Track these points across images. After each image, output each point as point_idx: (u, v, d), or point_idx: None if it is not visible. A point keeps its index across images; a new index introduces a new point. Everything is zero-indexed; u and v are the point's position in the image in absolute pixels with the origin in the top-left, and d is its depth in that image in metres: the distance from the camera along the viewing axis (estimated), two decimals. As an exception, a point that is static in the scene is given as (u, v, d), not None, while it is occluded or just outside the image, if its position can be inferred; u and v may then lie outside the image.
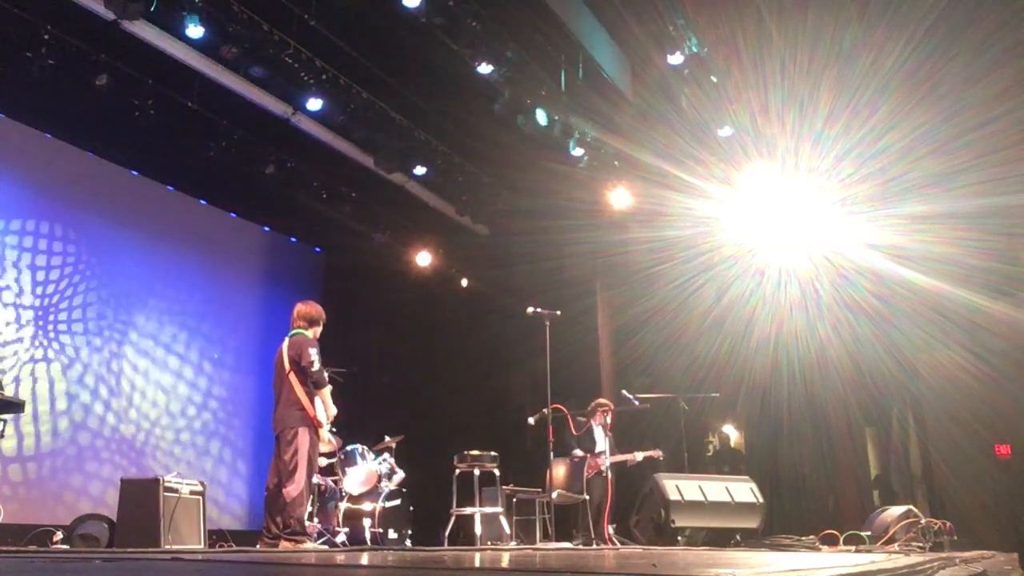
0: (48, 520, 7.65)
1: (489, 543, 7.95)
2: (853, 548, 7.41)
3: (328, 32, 8.50)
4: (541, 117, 9.16)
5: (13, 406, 6.48)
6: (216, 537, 8.38)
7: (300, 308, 6.40)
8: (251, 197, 10.96)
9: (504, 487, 8.34)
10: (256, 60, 8.29)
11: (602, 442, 8.47)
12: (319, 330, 6.39)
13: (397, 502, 8.35)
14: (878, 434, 10.23)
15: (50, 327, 9.24)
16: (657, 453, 8.79)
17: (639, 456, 8.57)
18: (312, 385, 6.13)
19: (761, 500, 8.38)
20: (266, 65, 8.35)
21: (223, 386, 11.09)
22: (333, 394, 6.44)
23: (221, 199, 11.21)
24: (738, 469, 10.56)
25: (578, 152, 10.05)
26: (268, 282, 11.99)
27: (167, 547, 6.16)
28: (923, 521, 7.62)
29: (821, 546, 7.72)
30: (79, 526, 6.63)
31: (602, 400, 8.76)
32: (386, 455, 8.49)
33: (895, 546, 7.29)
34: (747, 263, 10.35)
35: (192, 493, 6.71)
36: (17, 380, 8.75)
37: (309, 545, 6.25)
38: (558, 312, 7.81)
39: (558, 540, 7.79)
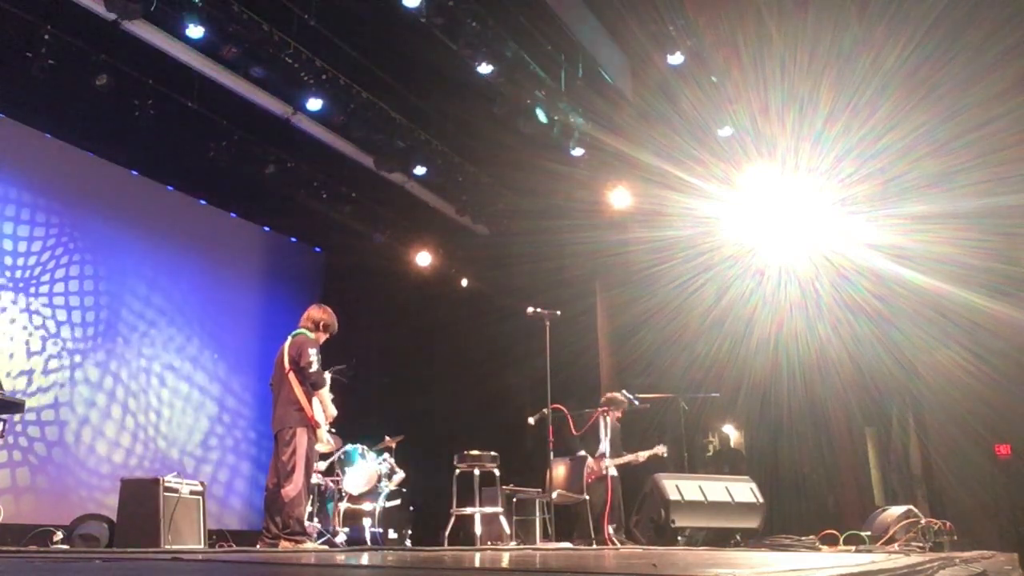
0: (48, 520, 7.64)
1: (489, 543, 7.95)
2: (853, 548, 7.40)
3: (328, 32, 8.50)
4: (541, 117, 9.16)
5: (13, 406, 6.48)
6: (216, 537, 8.38)
7: (313, 310, 6.40)
8: (251, 197, 10.96)
9: (504, 487, 8.34)
10: (256, 60, 8.28)
11: (604, 443, 8.45)
12: (324, 336, 6.37)
13: (397, 502, 8.35)
14: (878, 434, 10.23)
15: (50, 326, 9.23)
16: (661, 450, 8.72)
17: (642, 456, 8.53)
18: (310, 386, 6.13)
19: (761, 500, 8.38)
20: (266, 65, 8.35)
21: (223, 386, 11.09)
22: (334, 393, 6.43)
23: (221, 199, 11.21)
24: (738, 469, 10.55)
25: (578, 152, 10.05)
26: (268, 282, 11.98)
27: (167, 547, 6.16)
28: (923, 521, 7.62)
29: (821, 546, 7.71)
30: (79, 526, 6.63)
31: (613, 395, 8.67)
32: (386, 455, 8.49)
33: (895, 546, 7.29)
34: (747, 263, 10.34)
35: (192, 493, 6.71)
36: (17, 380, 8.75)
37: (309, 545, 6.25)
38: (558, 312, 7.81)
39: (558, 540, 7.79)
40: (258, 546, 6.16)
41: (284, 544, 5.88)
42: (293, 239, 12.54)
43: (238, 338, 11.37)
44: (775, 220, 10.22)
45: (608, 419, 8.49)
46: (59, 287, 9.42)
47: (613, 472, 8.22)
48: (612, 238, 10.86)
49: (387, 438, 8.72)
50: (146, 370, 10.16)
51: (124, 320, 10.01)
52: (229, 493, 10.89)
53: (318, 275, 12.74)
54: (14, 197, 9.15)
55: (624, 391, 8.77)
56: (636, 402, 8.64)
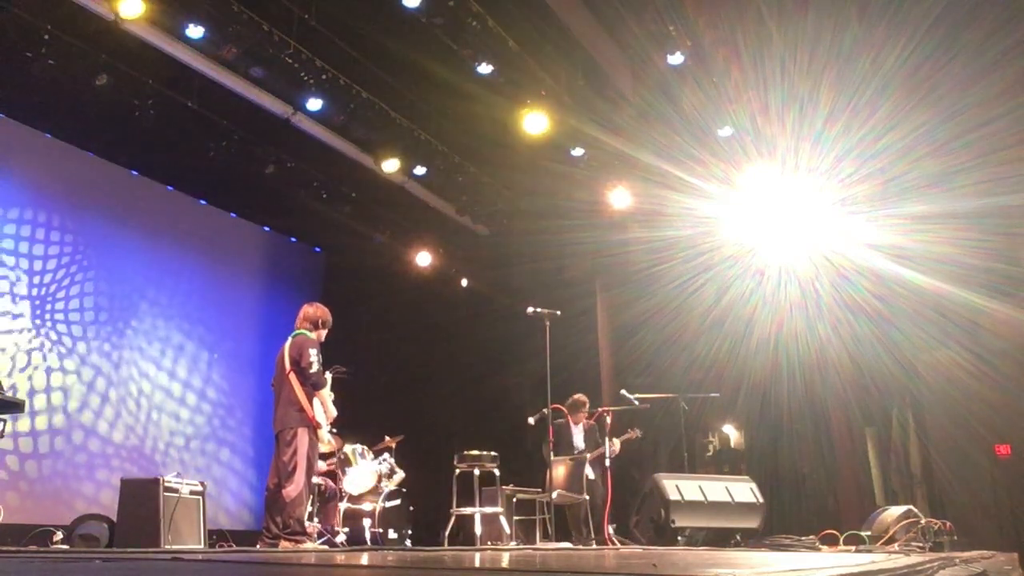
0: (48, 520, 7.64)
1: (489, 543, 7.95)
2: (853, 548, 7.40)
3: (328, 32, 8.50)
4: (541, 117, 9.16)
5: (13, 406, 6.48)
6: (216, 537, 8.38)
7: (306, 309, 6.41)
8: (251, 197, 10.96)
9: (504, 487, 8.34)
10: (256, 60, 8.29)
11: (580, 442, 8.46)
12: (324, 333, 6.39)
13: (397, 502, 8.35)
14: (878, 434, 10.22)
15: (51, 327, 9.24)
16: (634, 433, 8.68)
17: (617, 444, 8.49)
18: (311, 386, 6.13)
19: (761, 500, 8.38)
20: (266, 65, 8.35)
21: (223, 386, 11.09)
22: (334, 394, 6.44)
23: (221, 199, 11.21)
24: (738, 469, 10.56)
25: (578, 152, 10.05)
26: (268, 282, 11.99)
27: (167, 547, 6.16)
28: (923, 521, 7.62)
29: (821, 546, 7.72)
30: (79, 526, 6.63)
31: (580, 398, 8.61)
32: (386, 455, 8.49)
33: (895, 546, 7.29)
34: (747, 263, 10.34)
35: (192, 493, 6.71)
36: (17, 381, 8.75)
37: (309, 545, 6.25)
38: (558, 312, 7.81)
39: (558, 540, 7.79)
40: (258, 546, 6.16)
41: (284, 544, 5.88)
42: (293, 239, 12.54)
43: (238, 338, 11.37)
44: (775, 220, 10.22)
45: (572, 423, 8.51)
46: (58, 288, 9.41)
47: (590, 474, 8.17)
48: (612, 238, 10.87)
49: (387, 438, 8.73)
50: (147, 370, 10.16)
51: (123, 320, 10.01)
52: (229, 493, 10.89)
53: (318, 275, 12.74)
54: (13, 197, 9.15)
55: (624, 391, 8.77)
56: (636, 402, 8.64)
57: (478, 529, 7.80)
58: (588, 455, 8.20)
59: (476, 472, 7.85)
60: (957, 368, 9.16)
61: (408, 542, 8.36)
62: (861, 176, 9.47)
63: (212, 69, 8.35)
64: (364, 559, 4.66)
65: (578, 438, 8.52)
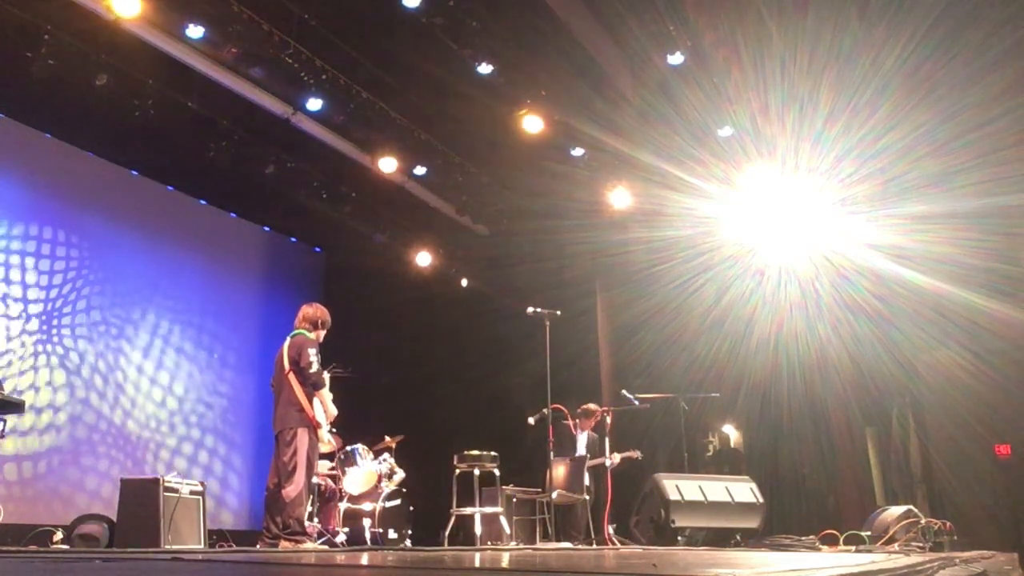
0: (48, 520, 7.65)
1: (489, 543, 7.95)
2: (853, 548, 7.40)
3: (328, 32, 8.49)
4: (540, 118, 9.16)
5: (13, 406, 6.48)
6: (216, 537, 8.38)
7: (305, 310, 6.41)
8: (251, 197, 10.96)
9: (504, 487, 8.34)
10: (256, 60, 8.29)
11: (583, 448, 8.51)
12: (323, 333, 6.40)
13: (397, 502, 8.35)
14: (878, 434, 10.23)
15: (51, 326, 9.23)
16: (635, 454, 8.83)
17: (616, 458, 8.58)
18: (311, 386, 6.13)
19: (761, 500, 8.38)
20: (266, 65, 8.35)
21: (223, 386, 11.09)
22: (334, 394, 6.44)
23: (221, 199, 11.21)
24: (738, 469, 10.55)
25: (578, 152, 10.05)
26: (268, 282, 11.99)
27: (167, 547, 6.16)
28: (923, 521, 7.62)
29: (821, 546, 7.72)
30: (79, 526, 6.63)
31: (591, 407, 8.74)
32: (386, 455, 8.49)
33: (895, 546, 7.29)
34: (747, 263, 10.35)
35: (192, 493, 6.71)
36: (18, 379, 8.75)
37: (309, 545, 6.25)
38: (558, 312, 7.81)
39: (558, 540, 7.79)
40: (258, 546, 6.17)
41: (284, 544, 5.89)
42: (293, 239, 12.55)
43: (238, 338, 11.37)
44: (775, 220, 10.22)
45: (579, 428, 8.58)
46: (60, 287, 9.41)
47: (586, 481, 8.21)
48: (612, 238, 10.87)
49: (387, 438, 8.73)
50: (147, 370, 10.16)
51: (124, 320, 10.01)
52: (229, 493, 10.89)
53: (318, 275, 12.75)
54: (14, 197, 9.15)
55: (624, 391, 8.78)
56: (636, 402, 8.65)
57: (478, 529, 7.80)
58: (587, 462, 8.25)
59: (476, 472, 7.85)
60: (957, 368, 9.16)
61: (408, 542, 8.35)
62: (861, 176, 9.47)
63: (212, 69, 8.35)
64: (364, 559, 4.66)
65: (581, 445, 8.59)
